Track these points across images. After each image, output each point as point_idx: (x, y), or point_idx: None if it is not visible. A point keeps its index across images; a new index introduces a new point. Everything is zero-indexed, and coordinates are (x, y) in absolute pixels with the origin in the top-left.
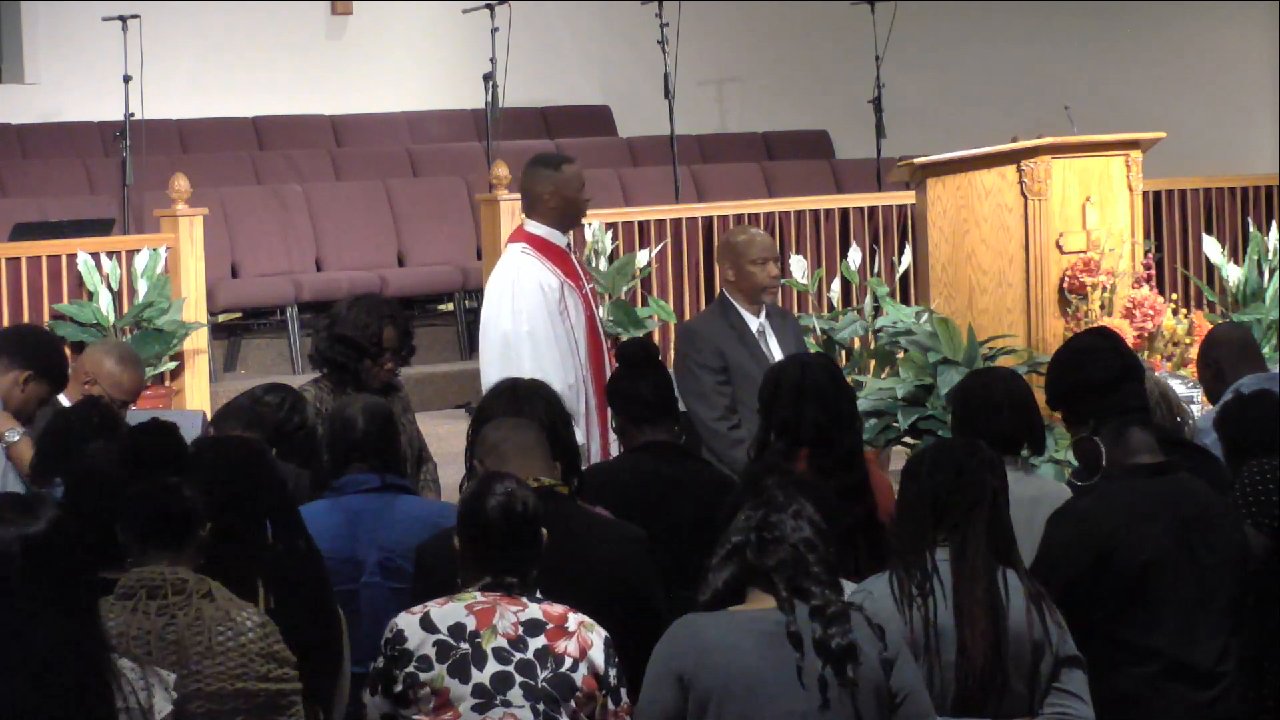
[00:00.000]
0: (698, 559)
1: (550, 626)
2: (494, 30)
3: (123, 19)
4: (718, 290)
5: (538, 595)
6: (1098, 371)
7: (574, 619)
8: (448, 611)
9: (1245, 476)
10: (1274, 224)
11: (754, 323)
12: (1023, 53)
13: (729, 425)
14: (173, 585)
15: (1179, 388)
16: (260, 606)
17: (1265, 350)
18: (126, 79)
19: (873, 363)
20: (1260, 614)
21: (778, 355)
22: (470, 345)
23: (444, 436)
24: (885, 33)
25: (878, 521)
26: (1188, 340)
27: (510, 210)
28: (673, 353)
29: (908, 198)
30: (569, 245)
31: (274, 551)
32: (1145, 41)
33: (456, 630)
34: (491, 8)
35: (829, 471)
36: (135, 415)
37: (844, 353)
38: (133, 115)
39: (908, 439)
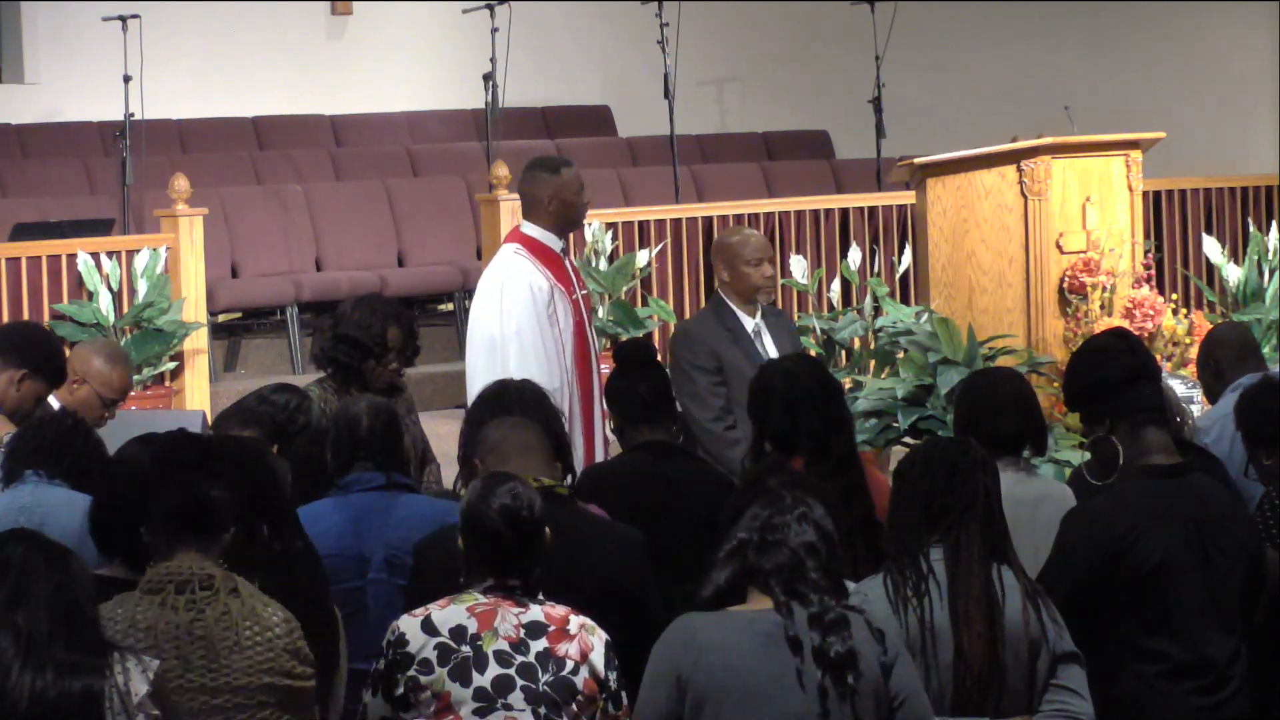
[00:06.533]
0: (695, 559)
1: (552, 629)
2: (494, 30)
3: (123, 19)
4: None
5: (540, 597)
6: (1112, 371)
7: (575, 621)
8: (449, 614)
9: (1266, 498)
10: (1274, 224)
11: (749, 323)
12: (1023, 53)
13: (724, 426)
14: (200, 581)
15: (1179, 388)
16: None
17: (1265, 350)
18: (126, 79)
19: (873, 363)
20: (1272, 633)
21: (773, 356)
22: None
23: (444, 436)
24: (885, 33)
25: (875, 522)
26: (1188, 340)
27: (510, 210)
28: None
29: (908, 198)
30: (564, 250)
31: (270, 551)
32: (1145, 41)
33: (458, 633)
34: (491, 8)
35: (826, 474)
36: (133, 415)
37: (844, 353)
38: (133, 115)
39: (908, 439)
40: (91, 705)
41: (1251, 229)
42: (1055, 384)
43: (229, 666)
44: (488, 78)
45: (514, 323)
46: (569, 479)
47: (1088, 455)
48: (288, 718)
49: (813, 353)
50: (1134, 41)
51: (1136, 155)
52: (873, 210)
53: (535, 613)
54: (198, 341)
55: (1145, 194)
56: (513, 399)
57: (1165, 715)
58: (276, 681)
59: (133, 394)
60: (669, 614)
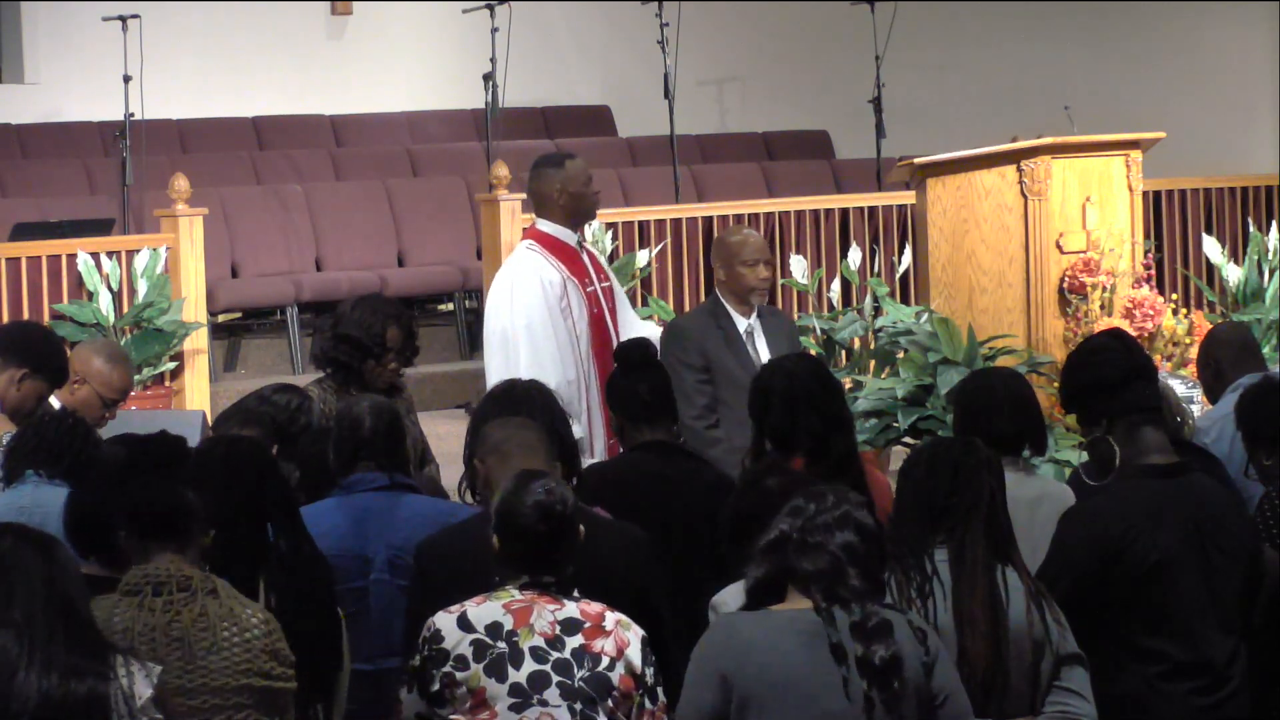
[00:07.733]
0: (695, 558)
1: (588, 625)
2: (494, 30)
3: (123, 19)
4: None
5: (575, 594)
6: (1108, 371)
7: (611, 618)
8: (485, 610)
9: (1266, 498)
10: (1274, 224)
11: (742, 324)
12: (1023, 53)
13: (705, 424)
14: (178, 582)
15: (1179, 388)
16: (261, 605)
17: (1265, 350)
18: (126, 79)
19: (873, 363)
20: (1272, 633)
21: (765, 357)
22: (470, 345)
23: (444, 436)
24: (885, 33)
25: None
26: (1188, 340)
27: (510, 210)
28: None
29: (908, 198)
30: (580, 243)
31: (277, 551)
32: (1145, 41)
33: (494, 629)
34: (491, 8)
35: (826, 474)
36: (134, 415)
37: (844, 353)
38: (133, 115)
39: (908, 439)
40: (97, 708)
41: (1251, 229)
42: (1055, 384)
43: (206, 667)
44: (488, 78)
45: (524, 317)
46: (572, 480)
47: (1086, 455)
48: (266, 719)
49: (813, 353)
50: (1134, 41)
51: (1136, 155)
52: (873, 210)
53: (571, 609)
54: (198, 341)
55: (1145, 194)
56: (519, 398)
57: (1165, 715)
58: (254, 683)
59: (133, 394)
60: (674, 614)
